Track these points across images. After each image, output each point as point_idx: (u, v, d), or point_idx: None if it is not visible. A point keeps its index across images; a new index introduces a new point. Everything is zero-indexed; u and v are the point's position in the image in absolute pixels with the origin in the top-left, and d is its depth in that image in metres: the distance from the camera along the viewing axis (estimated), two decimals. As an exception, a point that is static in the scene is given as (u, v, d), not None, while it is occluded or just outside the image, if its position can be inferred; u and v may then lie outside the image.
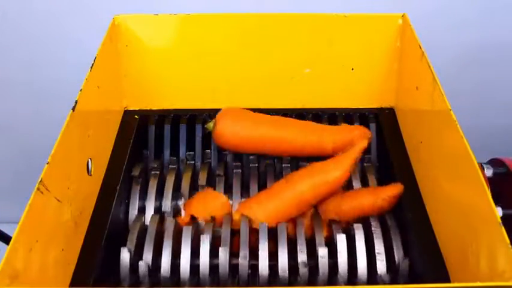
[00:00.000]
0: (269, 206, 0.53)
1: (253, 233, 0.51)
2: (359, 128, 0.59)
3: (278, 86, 0.64)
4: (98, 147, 0.55)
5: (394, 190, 0.52)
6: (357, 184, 0.57)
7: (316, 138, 0.57)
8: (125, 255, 0.48)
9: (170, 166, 0.61)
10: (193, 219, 0.54)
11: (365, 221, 0.52)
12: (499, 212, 0.56)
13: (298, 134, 0.58)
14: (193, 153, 0.62)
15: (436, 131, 0.50)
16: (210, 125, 0.59)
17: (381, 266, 0.48)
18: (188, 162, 0.62)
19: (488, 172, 0.61)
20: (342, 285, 0.47)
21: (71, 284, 0.45)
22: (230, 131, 0.58)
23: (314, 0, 0.72)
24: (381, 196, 0.52)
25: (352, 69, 0.63)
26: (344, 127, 0.59)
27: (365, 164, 0.60)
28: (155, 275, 0.48)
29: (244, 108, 0.61)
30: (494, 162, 0.64)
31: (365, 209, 0.53)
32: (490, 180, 0.60)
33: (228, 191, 0.58)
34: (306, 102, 0.65)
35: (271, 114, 0.63)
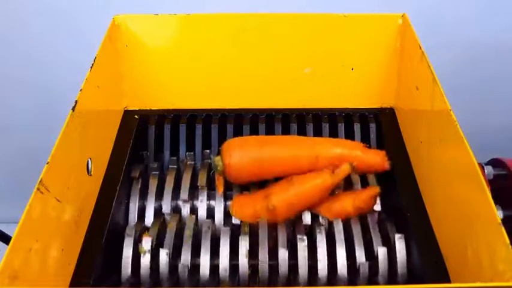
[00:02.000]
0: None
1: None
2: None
3: (278, 86, 0.64)
4: (98, 147, 0.55)
5: (370, 192, 0.54)
6: (357, 184, 0.57)
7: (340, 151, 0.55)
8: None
9: (170, 166, 0.61)
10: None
11: (362, 221, 0.52)
12: (499, 213, 0.56)
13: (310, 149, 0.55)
14: (193, 153, 0.62)
15: (436, 131, 0.50)
16: (218, 162, 0.55)
17: (381, 266, 0.49)
18: (188, 162, 0.62)
19: (489, 174, 0.61)
20: (342, 285, 0.47)
21: (71, 284, 0.45)
22: (242, 162, 0.54)
23: (314, 0, 0.72)
24: (360, 198, 0.54)
25: (352, 69, 0.63)
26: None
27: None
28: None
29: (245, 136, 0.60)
30: (494, 162, 0.64)
31: (347, 211, 0.54)
32: (491, 182, 0.60)
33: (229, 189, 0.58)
34: (306, 102, 0.65)
35: (272, 115, 0.63)
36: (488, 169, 0.62)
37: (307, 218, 0.55)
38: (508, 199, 0.59)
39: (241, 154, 0.54)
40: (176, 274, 0.49)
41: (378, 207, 0.56)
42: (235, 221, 0.55)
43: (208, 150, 0.62)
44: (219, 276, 0.49)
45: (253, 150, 0.55)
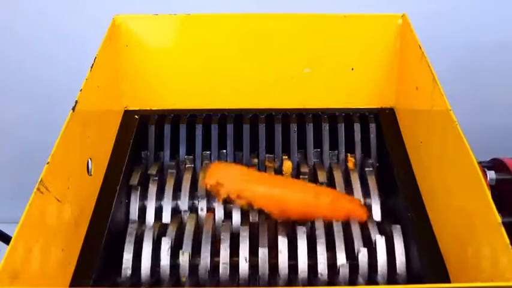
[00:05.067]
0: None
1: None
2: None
3: (278, 86, 0.64)
4: (98, 147, 0.55)
5: None
6: (356, 184, 0.57)
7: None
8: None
9: (170, 166, 0.61)
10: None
11: (363, 223, 0.52)
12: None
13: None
14: (192, 153, 0.62)
15: (436, 131, 0.50)
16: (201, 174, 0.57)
17: (381, 266, 0.49)
18: (188, 162, 0.62)
19: (492, 180, 0.61)
20: (341, 285, 0.47)
21: (71, 284, 0.45)
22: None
23: (314, 0, 0.72)
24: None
25: (352, 69, 0.63)
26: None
27: (365, 168, 0.60)
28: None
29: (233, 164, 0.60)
30: (494, 163, 0.64)
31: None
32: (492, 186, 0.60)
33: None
34: (306, 102, 0.65)
35: (272, 115, 0.63)
36: (491, 175, 0.61)
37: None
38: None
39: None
40: (176, 274, 0.49)
41: (377, 207, 0.56)
42: (235, 220, 0.55)
43: (208, 152, 0.62)
44: (219, 275, 0.49)
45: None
